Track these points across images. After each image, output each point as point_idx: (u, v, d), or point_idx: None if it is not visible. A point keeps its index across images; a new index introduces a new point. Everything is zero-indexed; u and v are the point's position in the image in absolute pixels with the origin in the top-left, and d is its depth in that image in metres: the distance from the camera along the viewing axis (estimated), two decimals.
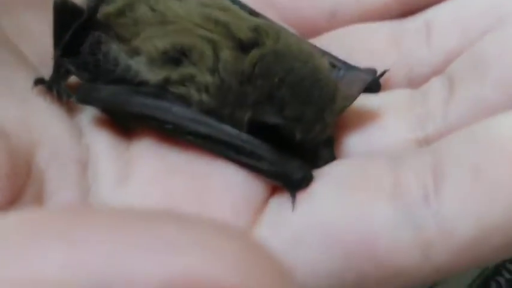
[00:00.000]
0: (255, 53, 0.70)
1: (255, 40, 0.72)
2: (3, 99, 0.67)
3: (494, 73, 0.69)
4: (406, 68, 0.82)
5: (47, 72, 0.74)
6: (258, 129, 0.69)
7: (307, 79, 0.69)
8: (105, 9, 0.75)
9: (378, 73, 0.79)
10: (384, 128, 0.74)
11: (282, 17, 0.87)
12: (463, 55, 0.77)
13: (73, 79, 0.76)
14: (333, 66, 0.77)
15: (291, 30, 0.86)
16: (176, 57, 0.70)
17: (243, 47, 0.71)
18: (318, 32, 0.88)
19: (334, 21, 0.88)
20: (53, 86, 0.72)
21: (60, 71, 0.73)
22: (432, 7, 0.84)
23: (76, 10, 0.73)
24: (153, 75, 0.70)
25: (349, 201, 0.64)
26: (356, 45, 0.85)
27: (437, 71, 0.79)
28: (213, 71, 0.70)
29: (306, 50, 0.73)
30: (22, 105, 0.69)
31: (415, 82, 0.81)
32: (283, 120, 0.67)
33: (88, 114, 0.73)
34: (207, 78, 0.69)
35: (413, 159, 0.66)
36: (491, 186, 0.59)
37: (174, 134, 0.70)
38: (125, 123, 0.73)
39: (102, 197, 0.68)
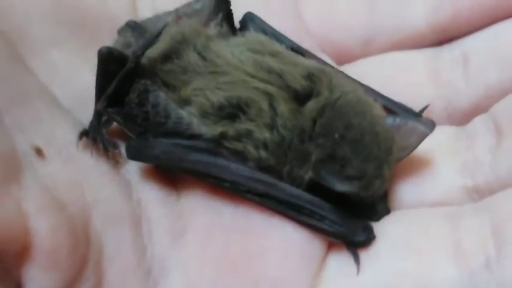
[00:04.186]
0: (312, 106, 0.68)
1: (310, 90, 0.69)
2: (51, 161, 0.63)
3: None
4: (445, 102, 0.81)
5: (81, 116, 0.70)
6: (315, 184, 0.68)
7: (367, 134, 0.68)
8: (149, 54, 0.70)
9: (419, 108, 0.78)
10: (434, 176, 0.73)
11: (317, 45, 0.85)
12: (508, 97, 0.76)
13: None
14: (387, 109, 0.75)
15: (326, 57, 0.84)
16: (232, 112, 0.67)
17: (299, 98, 0.69)
18: (352, 58, 0.86)
19: (369, 49, 0.86)
20: (97, 138, 0.68)
21: (100, 120, 0.69)
22: (469, 36, 0.83)
23: (121, 57, 0.69)
24: (207, 130, 0.67)
25: (415, 265, 0.65)
26: (394, 75, 0.83)
27: (477, 106, 0.78)
28: (271, 126, 0.67)
29: (361, 97, 0.71)
30: (70, 165, 0.65)
31: (454, 117, 0.80)
32: (345, 185, 0.66)
33: (133, 164, 0.70)
34: (265, 135, 0.67)
35: (472, 219, 0.66)
36: None
37: (231, 191, 0.68)
38: (173, 174, 0.70)
39: (158, 256, 0.66)
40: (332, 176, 0.66)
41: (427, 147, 0.74)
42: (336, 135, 0.67)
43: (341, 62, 0.86)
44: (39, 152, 0.63)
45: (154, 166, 0.70)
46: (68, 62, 0.72)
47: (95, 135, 0.68)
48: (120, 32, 0.76)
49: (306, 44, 0.81)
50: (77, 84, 0.71)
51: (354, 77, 0.79)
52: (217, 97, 0.67)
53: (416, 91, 0.81)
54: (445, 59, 0.83)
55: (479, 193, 0.71)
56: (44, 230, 0.57)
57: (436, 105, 0.81)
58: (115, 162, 0.69)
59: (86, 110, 0.70)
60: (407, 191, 0.73)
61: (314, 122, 0.67)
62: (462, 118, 0.80)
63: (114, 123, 0.71)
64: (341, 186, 0.65)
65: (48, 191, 0.60)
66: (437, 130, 0.78)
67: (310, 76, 0.70)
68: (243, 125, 0.67)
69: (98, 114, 0.69)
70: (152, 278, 0.65)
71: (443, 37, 0.84)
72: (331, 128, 0.67)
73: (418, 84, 0.82)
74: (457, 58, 0.82)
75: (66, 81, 0.71)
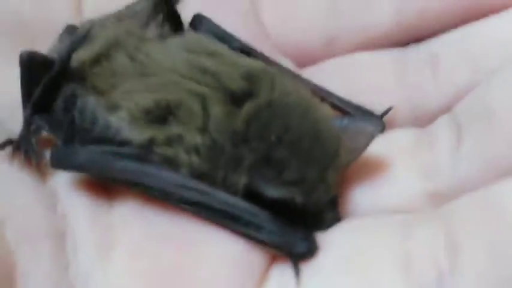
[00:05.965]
0: (248, 108, 0.63)
1: (248, 90, 0.64)
2: None
3: (505, 128, 0.63)
4: (412, 105, 0.75)
5: (15, 125, 0.67)
6: (254, 192, 0.62)
7: (307, 136, 0.63)
8: (79, 56, 0.67)
9: (382, 111, 0.72)
10: (391, 180, 0.68)
11: (276, 47, 0.80)
12: (470, 96, 0.70)
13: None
14: (337, 108, 0.70)
15: (286, 60, 0.79)
16: (161, 115, 0.63)
17: (236, 99, 0.64)
18: (314, 60, 0.81)
19: (332, 49, 0.80)
20: (22, 146, 0.64)
21: (30, 128, 0.66)
22: (438, 37, 0.77)
23: (46, 61, 0.65)
24: (136, 135, 0.63)
25: (357, 281, 0.59)
26: (357, 77, 0.78)
27: (446, 109, 0.72)
28: (203, 130, 0.62)
29: (304, 98, 0.66)
30: None
31: (421, 120, 0.74)
32: (282, 190, 0.60)
33: (64, 174, 0.66)
34: (197, 139, 0.62)
35: (425, 228, 0.60)
36: (507, 267, 0.54)
37: (163, 201, 0.63)
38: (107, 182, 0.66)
39: (82, 272, 0.61)
40: (265, 181, 0.60)
41: (384, 149, 0.69)
42: (273, 138, 0.62)
43: (303, 64, 0.81)
44: None
45: (86, 174, 0.66)
46: (2, 71, 0.69)
47: (21, 145, 0.64)
48: (60, 37, 0.73)
49: (263, 47, 0.76)
50: (12, 93, 0.68)
51: (316, 79, 0.75)
52: (146, 100, 0.63)
53: (382, 94, 0.76)
54: (413, 60, 0.78)
55: (441, 198, 0.65)
56: None
57: (402, 108, 0.75)
58: (40, 171, 0.65)
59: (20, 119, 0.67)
60: (362, 197, 0.67)
61: (249, 124, 0.63)
62: (430, 122, 0.73)
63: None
64: (274, 192, 0.60)
65: None
66: (398, 132, 0.73)
67: (249, 77, 0.65)
68: (174, 129, 0.63)
69: (26, 122, 0.66)
70: None
71: (410, 37, 0.79)
72: (267, 130, 0.62)
73: (384, 87, 0.77)
74: (425, 59, 0.77)
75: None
